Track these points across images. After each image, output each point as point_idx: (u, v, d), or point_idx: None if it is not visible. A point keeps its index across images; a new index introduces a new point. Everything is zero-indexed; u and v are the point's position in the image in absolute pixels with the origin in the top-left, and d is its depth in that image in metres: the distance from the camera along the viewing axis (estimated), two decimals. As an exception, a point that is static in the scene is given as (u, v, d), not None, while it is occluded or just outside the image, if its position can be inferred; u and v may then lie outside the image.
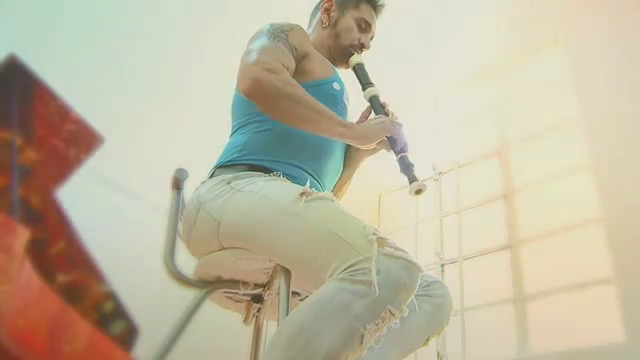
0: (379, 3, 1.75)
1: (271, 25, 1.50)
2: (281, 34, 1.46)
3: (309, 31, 1.74)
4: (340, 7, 1.71)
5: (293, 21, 1.57)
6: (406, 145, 1.41)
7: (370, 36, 1.74)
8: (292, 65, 1.43)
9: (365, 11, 1.71)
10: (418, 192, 1.34)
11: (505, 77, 3.43)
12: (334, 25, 1.70)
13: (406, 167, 1.37)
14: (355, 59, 1.66)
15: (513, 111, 3.30)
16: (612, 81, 2.78)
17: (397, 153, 1.39)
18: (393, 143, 1.41)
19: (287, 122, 1.35)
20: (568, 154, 2.86)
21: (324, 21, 1.71)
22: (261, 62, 1.32)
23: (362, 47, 1.70)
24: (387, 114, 1.53)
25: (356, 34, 1.69)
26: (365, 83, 1.62)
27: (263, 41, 1.42)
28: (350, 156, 1.65)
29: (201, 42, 3.13)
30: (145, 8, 2.99)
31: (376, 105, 1.57)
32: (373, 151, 1.55)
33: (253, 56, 1.35)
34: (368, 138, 1.38)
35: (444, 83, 3.69)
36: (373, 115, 1.57)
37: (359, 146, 1.42)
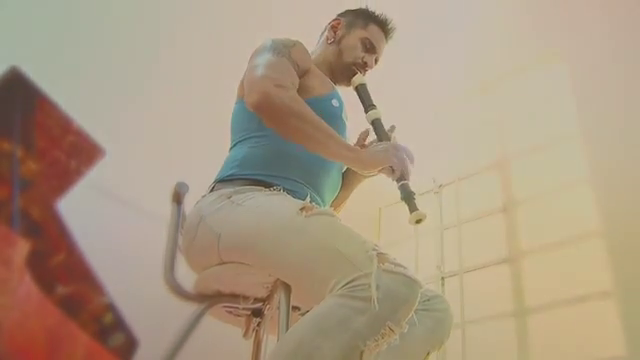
0: (389, 27, 1.76)
1: (273, 41, 1.51)
2: (284, 49, 1.47)
3: (314, 47, 1.75)
4: (348, 26, 1.73)
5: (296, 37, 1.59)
6: (407, 172, 1.38)
7: (375, 57, 1.74)
8: (297, 81, 1.45)
9: (372, 32, 1.72)
10: (418, 222, 1.33)
11: (505, 90, 3.44)
12: (338, 42, 1.72)
13: (407, 195, 1.36)
14: (358, 79, 1.66)
15: (513, 124, 3.30)
16: (612, 95, 2.79)
17: (398, 181, 1.38)
18: (394, 171, 1.38)
19: (292, 139, 1.35)
20: (568, 167, 2.86)
21: (329, 37, 1.73)
22: (271, 77, 1.34)
23: (365, 66, 1.70)
24: (389, 138, 1.53)
25: (360, 53, 1.70)
26: (368, 105, 1.61)
27: (268, 56, 1.43)
28: (348, 177, 1.65)
29: (202, 55, 3.14)
30: (146, 21, 3.00)
31: (378, 129, 1.56)
32: (369, 177, 1.54)
33: (261, 71, 1.36)
34: (371, 165, 1.36)
35: (444, 96, 3.69)
36: (374, 137, 1.58)
37: (361, 171, 1.41)
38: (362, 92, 1.64)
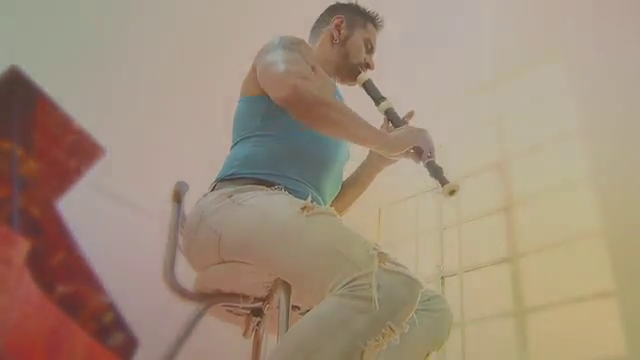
0: (380, 23, 1.78)
1: (282, 38, 1.51)
2: (294, 46, 1.48)
3: (314, 46, 1.75)
4: (349, 25, 1.73)
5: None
6: (433, 150, 1.44)
7: (373, 56, 1.76)
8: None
9: (371, 32, 1.75)
10: (452, 193, 1.36)
11: (505, 90, 3.43)
12: (343, 43, 1.71)
13: (435, 171, 1.40)
14: (363, 77, 1.68)
15: (513, 124, 3.30)
16: (612, 94, 2.78)
17: (425, 159, 1.42)
18: (420, 151, 1.43)
19: (322, 128, 1.37)
20: (568, 167, 2.86)
21: (334, 37, 1.72)
22: (295, 71, 1.35)
23: (367, 67, 1.72)
24: (405, 122, 1.57)
25: (364, 54, 1.71)
26: (378, 98, 1.64)
27: (282, 53, 1.44)
28: (363, 173, 1.69)
29: (203, 54, 3.14)
30: (147, 20, 3.00)
31: (394, 117, 1.60)
32: (394, 161, 1.57)
33: (282, 66, 1.38)
34: (399, 146, 1.40)
35: (444, 95, 3.69)
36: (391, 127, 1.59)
37: (388, 154, 1.43)
38: (370, 87, 1.67)
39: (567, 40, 3.14)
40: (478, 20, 3.44)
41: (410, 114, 1.67)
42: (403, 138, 1.42)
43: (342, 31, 1.73)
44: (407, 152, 1.44)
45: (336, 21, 1.74)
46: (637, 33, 2.82)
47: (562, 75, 3.11)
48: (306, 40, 1.71)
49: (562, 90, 3.07)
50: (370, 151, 1.67)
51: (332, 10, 1.79)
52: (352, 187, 1.69)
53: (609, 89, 2.80)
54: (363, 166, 1.70)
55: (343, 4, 1.80)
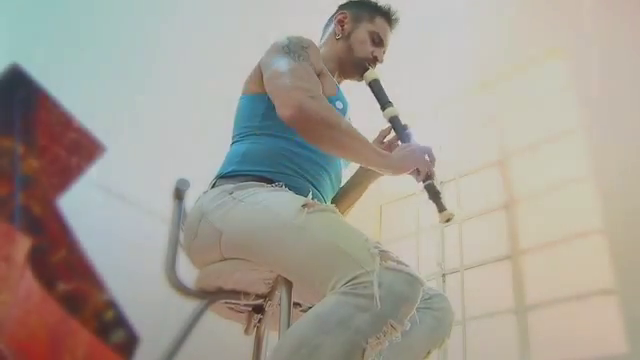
0: (393, 17, 1.74)
1: (289, 40, 1.48)
2: (303, 52, 1.45)
3: (320, 42, 1.73)
4: (354, 20, 1.70)
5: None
6: (433, 174, 1.40)
7: (383, 50, 1.72)
8: (321, 87, 1.43)
9: (379, 25, 1.70)
10: (447, 220, 1.35)
11: (506, 87, 3.43)
12: (347, 37, 1.68)
13: (434, 195, 1.38)
14: (371, 75, 1.64)
15: (514, 121, 3.30)
16: (613, 91, 2.78)
17: (424, 181, 1.40)
18: (419, 173, 1.40)
19: (326, 149, 1.36)
20: (569, 164, 2.86)
21: (337, 33, 1.70)
22: (303, 88, 1.32)
23: (375, 60, 1.68)
24: (409, 137, 1.53)
25: (369, 47, 1.67)
26: (384, 102, 1.60)
27: (289, 61, 1.41)
28: (361, 178, 1.67)
29: (203, 51, 3.14)
30: (147, 18, 3.00)
31: (397, 127, 1.57)
32: (381, 175, 1.56)
33: (290, 80, 1.35)
34: (401, 169, 1.38)
35: (445, 93, 3.69)
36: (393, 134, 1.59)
37: (391, 174, 1.41)
38: (376, 88, 1.63)
39: (568, 37, 3.13)
40: (479, 18, 3.43)
41: (405, 127, 1.62)
42: (405, 161, 1.38)
43: (345, 26, 1.69)
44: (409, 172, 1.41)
45: (339, 17, 1.72)
46: (637, 31, 2.82)
47: (562, 73, 3.11)
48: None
49: (562, 88, 3.07)
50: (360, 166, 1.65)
51: (340, 7, 1.77)
52: (347, 195, 1.68)
53: (609, 87, 2.80)
54: (354, 178, 1.68)
55: (354, 1, 1.77)
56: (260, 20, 3.03)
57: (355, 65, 1.66)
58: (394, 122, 1.57)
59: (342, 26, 1.70)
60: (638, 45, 2.79)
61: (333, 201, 1.60)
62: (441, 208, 1.35)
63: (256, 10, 3.16)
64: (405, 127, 1.57)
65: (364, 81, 1.66)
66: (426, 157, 1.40)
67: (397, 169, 1.38)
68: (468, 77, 3.57)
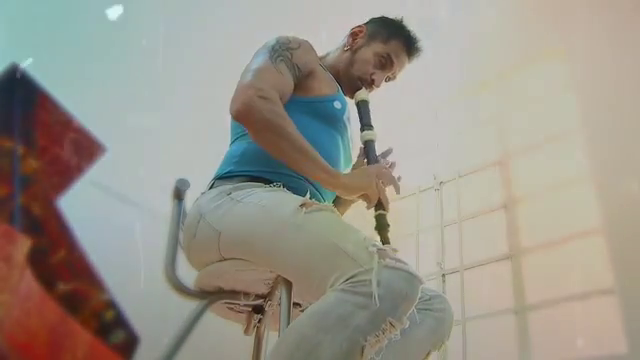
0: (415, 46, 1.68)
1: (277, 40, 1.47)
2: (285, 52, 1.43)
3: (333, 48, 1.71)
4: (369, 36, 1.66)
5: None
6: (386, 203, 1.35)
7: (391, 74, 1.67)
8: (289, 89, 1.41)
9: (392, 47, 1.64)
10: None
11: (506, 87, 3.43)
12: (354, 52, 1.65)
13: (380, 227, 1.33)
14: (361, 95, 1.60)
15: (514, 121, 3.31)
16: (613, 90, 2.78)
17: (376, 209, 1.35)
18: (370, 201, 1.35)
19: (270, 153, 1.32)
20: (569, 164, 2.86)
21: (347, 44, 1.67)
22: (256, 87, 1.30)
23: (372, 83, 1.64)
24: (377, 161, 1.50)
25: (370, 68, 1.63)
26: (365, 124, 1.56)
27: (264, 60, 1.40)
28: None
29: (202, 50, 3.14)
30: (148, 18, 3.00)
31: (370, 151, 1.52)
32: (353, 200, 1.48)
33: (249, 77, 1.33)
34: (350, 190, 1.33)
35: (445, 93, 3.69)
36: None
37: (342, 195, 1.36)
38: (362, 109, 1.58)
39: (568, 37, 3.13)
40: (479, 17, 3.43)
41: (385, 153, 1.61)
42: (355, 183, 1.33)
43: (357, 40, 1.66)
44: (362, 196, 1.35)
45: (355, 29, 1.69)
46: (637, 31, 2.82)
47: (562, 73, 3.11)
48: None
49: (562, 88, 3.07)
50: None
51: (369, 20, 1.73)
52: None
53: (609, 87, 2.80)
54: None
55: (384, 17, 1.72)
56: (260, 20, 3.03)
57: (350, 82, 1.63)
58: (368, 146, 1.53)
59: (354, 39, 1.67)
60: (638, 45, 2.79)
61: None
62: (385, 241, 1.30)
63: (256, 10, 3.17)
64: (385, 153, 1.56)
65: (354, 100, 1.62)
66: (381, 185, 1.34)
67: (345, 190, 1.32)
68: (468, 77, 3.57)
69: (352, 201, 1.56)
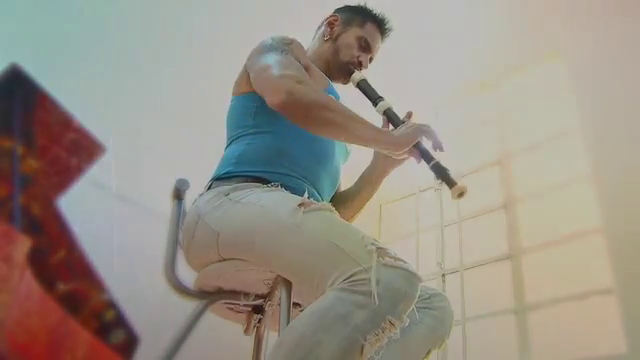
0: (387, 26, 1.74)
1: (273, 39, 1.50)
2: (286, 47, 1.46)
3: (309, 43, 1.75)
4: (344, 23, 1.72)
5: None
6: (439, 142, 1.37)
7: (369, 57, 1.72)
8: (308, 76, 1.43)
9: (369, 31, 1.71)
10: (460, 195, 1.30)
11: (505, 88, 3.43)
12: (335, 40, 1.70)
13: (442, 172, 1.34)
14: (358, 76, 1.63)
15: (514, 121, 3.30)
16: (612, 91, 2.78)
17: (429, 160, 1.36)
18: (424, 151, 1.37)
19: (321, 131, 1.35)
20: (569, 164, 2.86)
21: (326, 34, 1.72)
22: (289, 75, 1.33)
23: (360, 65, 1.68)
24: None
25: (355, 52, 1.68)
26: (375, 98, 1.58)
27: (276, 55, 1.42)
28: (373, 172, 1.63)
29: (201, 51, 3.14)
30: (148, 18, 3.00)
31: (393, 117, 1.53)
32: (401, 162, 1.52)
33: (277, 70, 1.35)
34: (403, 143, 1.35)
35: (444, 94, 3.69)
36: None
37: (393, 152, 1.37)
38: (365, 87, 1.61)
39: (568, 38, 3.13)
40: (479, 18, 3.43)
41: (409, 114, 1.60)
42: (407, 133, 1.35)
43: (335, 28, 1.71)
44: (410, 152, 1.38)
45: (330, 19, 1.74)
46: (637, 31, 2.82)
47: (563, 73, 3.11)
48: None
49: (563, 87, 3.06)
50: (375, 153, 1.62)
51: (335, 10, 1.78)
52: (360, 193, 1.65)
53: (610, 87, 2.80)
54: (369, 171, 1.65)
55: (348, 5, 1.78)
56: (260, 20, 3.03)
57: (340, 69, 1.67)
58: (389, 114, 1.54)
59: (331, 28, 1.72)
60: (638, 45, 2.79)
61: (342, 205, 1.60)
62: (451, 184, 1.30)
63: (256, 11, 3.16)
64: (406, 116, 1.55)
65: (351, 83, 1.65)
66: (431, 129, 1.38)
67: (398, 144, 1.34)
68: (468, 77, 3.57)
69: (382, 178, 1.62)
